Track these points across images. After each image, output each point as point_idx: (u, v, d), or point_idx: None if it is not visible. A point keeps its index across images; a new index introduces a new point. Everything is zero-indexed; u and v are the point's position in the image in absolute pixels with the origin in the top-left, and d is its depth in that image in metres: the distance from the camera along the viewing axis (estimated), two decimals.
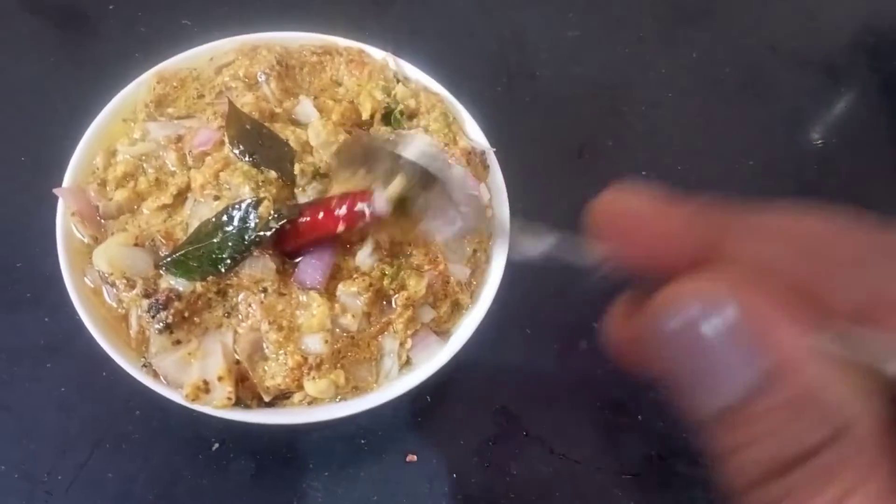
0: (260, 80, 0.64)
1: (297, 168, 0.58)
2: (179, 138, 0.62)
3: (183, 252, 0.55)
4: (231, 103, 0.60)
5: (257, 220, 0.55)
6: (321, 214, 0.54)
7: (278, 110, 0.63)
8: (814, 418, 0.24)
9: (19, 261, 0.71)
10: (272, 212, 0.55)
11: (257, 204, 0.55)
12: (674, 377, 0.27)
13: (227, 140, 0.60)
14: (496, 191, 0.66)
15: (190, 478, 0.64)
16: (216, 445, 0.65)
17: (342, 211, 0.53)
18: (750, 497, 0.25)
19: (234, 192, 0.58)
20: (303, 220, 0.55)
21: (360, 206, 0.53)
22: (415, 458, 0.68)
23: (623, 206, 0.32)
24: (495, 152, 0.67)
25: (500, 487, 0.67)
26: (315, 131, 0.61)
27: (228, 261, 0.55)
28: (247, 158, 0.58)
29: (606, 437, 0.71)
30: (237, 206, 0.56)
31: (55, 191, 0.59)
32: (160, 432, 0.65)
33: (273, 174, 0.58)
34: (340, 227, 0.54)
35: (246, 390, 0.57)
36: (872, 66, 1.00)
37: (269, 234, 0.55)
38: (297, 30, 0.72)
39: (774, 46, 0.98)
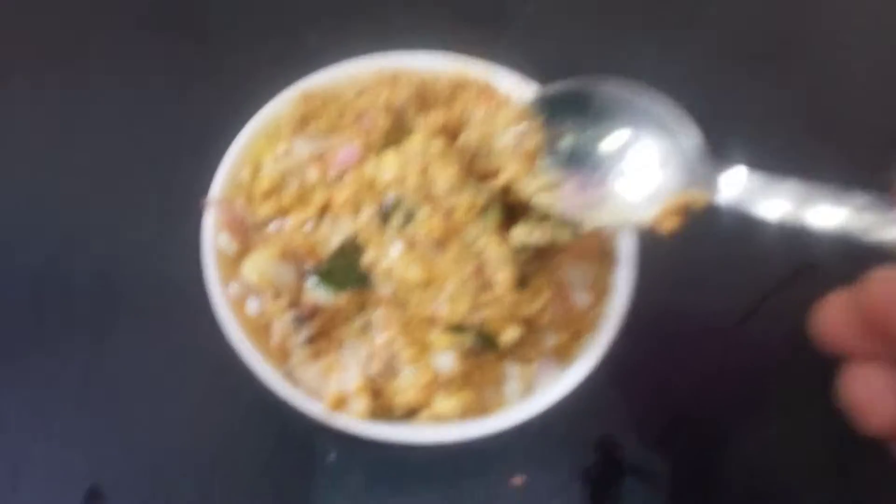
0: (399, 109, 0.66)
1: None
2: (321, 156, 0.64)
3: (329, 265, 0.58)
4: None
5: None
6: None
7: None
8: None
9: (155, 275, 0.73)
10: None
11: None
12: None
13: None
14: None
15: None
16: (332, 455, 0.67)
17: None
18: None
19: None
20: None
21: None
22: (519, 481, 0.69)
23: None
24: None
25: None
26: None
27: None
28: None
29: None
30: None
31: (204, 201, 0.62)
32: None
33: None
34: None
35: (377, 406, 0.58)
36: None
37: None
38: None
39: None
